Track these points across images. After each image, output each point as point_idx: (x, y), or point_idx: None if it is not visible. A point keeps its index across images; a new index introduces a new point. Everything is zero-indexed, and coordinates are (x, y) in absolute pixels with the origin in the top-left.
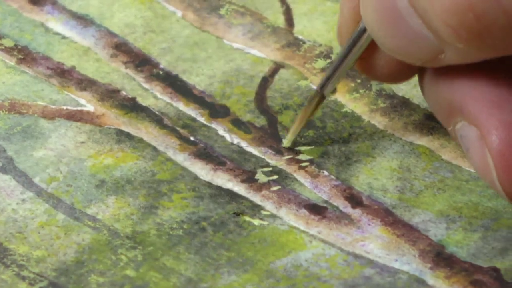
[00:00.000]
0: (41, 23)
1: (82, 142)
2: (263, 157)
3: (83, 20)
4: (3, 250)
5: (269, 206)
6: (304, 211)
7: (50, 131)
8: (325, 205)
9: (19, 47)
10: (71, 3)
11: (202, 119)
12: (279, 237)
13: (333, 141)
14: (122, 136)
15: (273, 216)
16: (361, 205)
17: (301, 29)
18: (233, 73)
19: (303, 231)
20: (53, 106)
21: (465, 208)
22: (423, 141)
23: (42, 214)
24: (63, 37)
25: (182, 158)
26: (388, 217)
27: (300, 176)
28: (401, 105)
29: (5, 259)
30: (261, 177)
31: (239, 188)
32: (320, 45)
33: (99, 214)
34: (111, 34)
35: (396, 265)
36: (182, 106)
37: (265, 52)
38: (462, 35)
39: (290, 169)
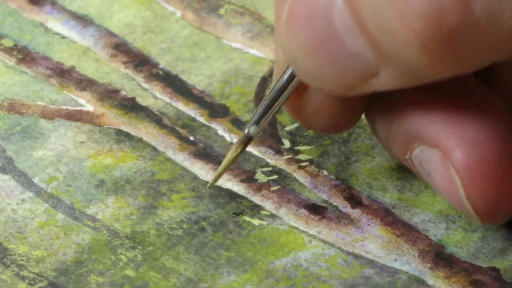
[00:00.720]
0: (41, 23)
1: (82, 142)
2: (262, 157)
3: (82, 20)
4: (3, 250)
5: (268, 206)
6: (303, 211)
7: (49, 131)
8: (324, 205)
9: (19, 47)
10: (70, 3)
11: (201, 119)
12: (279, 237)
13: (333, 141)
14: (122, 136)
15: (272, 216)
16: (361, 205)
17: None
18: (232, 73)
19: (303, 231)
20: (53, 106)
21: None
22: None
23: (41, 214)
24: (63, 37)
25: (182, 158)
26: (387, 217)
27: (299, 176)
28: None
29: (5, 259)
30: (260, 177)
31: (238, 188)
32: None
33: (98, 214)
34: (111, 34)
35: (396, 265)
36: (182, 106)
37: (264, 52)
38: (432, 49)
39: (290, 169)
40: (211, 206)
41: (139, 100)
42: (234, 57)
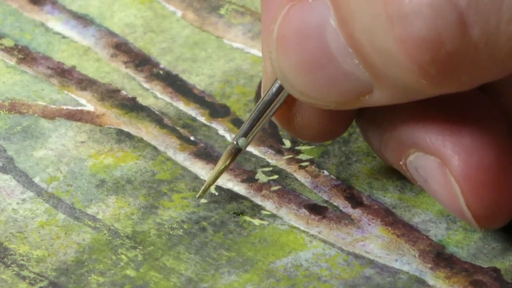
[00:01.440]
0: (41, 22)
1: (83, 142)
2: (263, 157)
3: (83, 20)
4: (4, 250)
5: (269, 206)
6: (304, 211)
7: (50, 131)
8: (325, 205)
9: (19, 47)
10: (71, 3)
11: (202, 119)
12: (279, 237)
13: (333, 141)
14: (122, 136)
15: (273, 216)
16: (361, 205)
17: None
18: (233, 72)
19: (303, 231)
20: (53, 106)
21: None
22: None
23: (42, 214)
24: (63, 37)
25: (182, 158)
26: (388, 217)
27: (300, 176)
28: None
29: (5, 259)
30: (261, 177)
31: (239, 188)
32: None
33: (99, 214)
34: (111, 34)
35: (397, 265)
36: (182, 106)
37: None
38: (430, 73)
39: (290, 168)
40: (211, 206)
41: (140, 100)
42: (235, 57)
